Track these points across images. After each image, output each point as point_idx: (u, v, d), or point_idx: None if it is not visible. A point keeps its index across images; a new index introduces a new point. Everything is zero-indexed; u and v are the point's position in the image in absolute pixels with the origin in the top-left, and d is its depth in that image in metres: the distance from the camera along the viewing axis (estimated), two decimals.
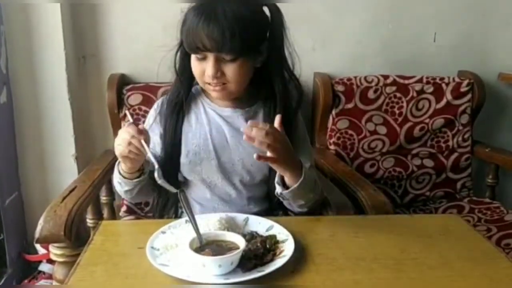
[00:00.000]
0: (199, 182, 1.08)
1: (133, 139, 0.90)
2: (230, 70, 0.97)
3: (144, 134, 0.91)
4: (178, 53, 1.03)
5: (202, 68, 0.98)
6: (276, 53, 1.02)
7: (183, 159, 1.05)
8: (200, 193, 1.09)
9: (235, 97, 1.05)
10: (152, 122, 1.09)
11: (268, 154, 0.89)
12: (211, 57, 0.95)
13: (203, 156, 1.05)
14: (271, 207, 1.11)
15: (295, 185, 0.94)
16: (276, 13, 1.01)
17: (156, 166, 0.91)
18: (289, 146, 0.93)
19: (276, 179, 0.98)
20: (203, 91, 1.09)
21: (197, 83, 1.05)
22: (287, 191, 0.96)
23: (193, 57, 0.99)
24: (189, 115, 1.07)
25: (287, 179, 0.96)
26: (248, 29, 0.93)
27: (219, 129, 1.06)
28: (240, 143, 1.05)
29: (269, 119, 1.02)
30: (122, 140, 0.91)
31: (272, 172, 1.04)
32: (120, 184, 1.03)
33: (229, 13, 0.92)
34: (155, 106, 1.12)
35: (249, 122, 0.87)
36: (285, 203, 1.02)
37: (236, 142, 1.05)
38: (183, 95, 1.06)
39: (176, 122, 1.06)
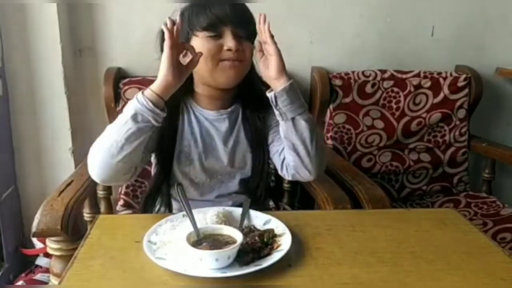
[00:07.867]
0: (187, 183, 1.08)
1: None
2: (246, 48, 1.00)
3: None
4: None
5: (218, 44, 0.97)
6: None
7: (174, 159, 1.06)
8: (189, 194, 1.06)
9: (236, 84, 1.03)
10: None
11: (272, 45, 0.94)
12: (228, 32, 0.97)
13: (192, 157, 1.06)
14: (257, 203, 1.09)
15: (287, 84, 0.93)
16: None
17: None
18: None
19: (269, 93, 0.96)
20: (190, 95, 1.08)
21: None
22: (281, 88, 0.93)
23: (203, 38, 0.98)
24: (181, 115, 1.07)
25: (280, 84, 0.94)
26: (251, 17, 1.01)
27: (208, 131, 1.08)
28: (226, 145, 1.07)
29: (246, 116, 1.08)
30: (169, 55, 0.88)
31: (254, 172, 1.09)
32: (135, 117, 0.87)
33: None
34: None
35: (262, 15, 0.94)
36: (289, 132, 0.98)
37: (222, 144, 1.07)
38: (181, 94, 1.03)
39: (174, 121, 1.05)
